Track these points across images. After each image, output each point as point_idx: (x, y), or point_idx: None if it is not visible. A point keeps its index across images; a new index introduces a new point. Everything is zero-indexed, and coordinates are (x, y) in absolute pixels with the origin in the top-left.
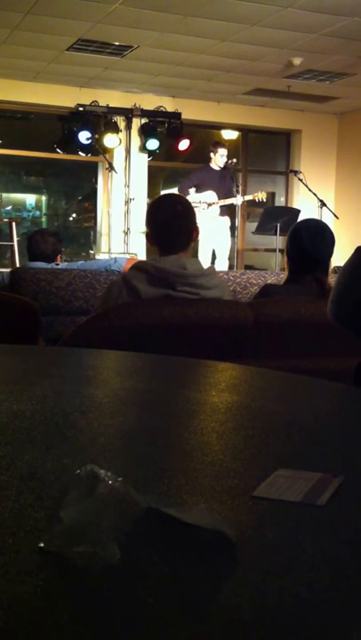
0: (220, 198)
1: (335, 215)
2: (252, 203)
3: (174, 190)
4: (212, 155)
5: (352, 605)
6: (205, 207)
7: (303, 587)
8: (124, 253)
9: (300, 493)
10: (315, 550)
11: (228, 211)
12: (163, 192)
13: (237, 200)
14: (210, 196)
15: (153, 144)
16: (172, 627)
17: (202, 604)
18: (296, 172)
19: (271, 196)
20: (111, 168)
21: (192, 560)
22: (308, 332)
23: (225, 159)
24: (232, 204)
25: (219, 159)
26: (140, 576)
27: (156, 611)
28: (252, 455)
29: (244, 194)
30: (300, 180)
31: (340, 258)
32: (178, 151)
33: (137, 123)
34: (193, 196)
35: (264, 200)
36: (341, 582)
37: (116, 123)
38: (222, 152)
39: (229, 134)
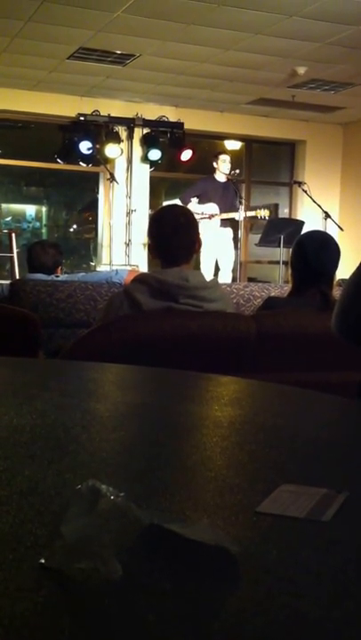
0: (222, 211)
1: (340, 227)
2: (255, 218)
3: (176, 201)
4: (215, 164)
5: (357, 623)
6: (207, 219)
7: (307, 604)
8: (125, 265)
9: (304, 509)
10: (319, 567)
11: (231, 222)
12: (165, 203)
13: (239, 215)
14: (212, 207)
15: (155, 154)
16: None
17: (204, 621)
18: (300, 184)
19: (275, 207)
20: (112, 178)
21: (194, 576)
22: (312, 346)
23: (228, 165)
24: (234, 218)
25: (222, 166)
26: (141, 592)
27: (158, 628)
28: (256, 470)
29: (247, 208)
30: (305, 192)
31: (344, 270)
32: (180, 162)
33: (139, 132)
34: (195, 207)
35: (266, 218)
36: (346, 600)
37: (117, 132)
38: (224, 158)
39: (233, 144)
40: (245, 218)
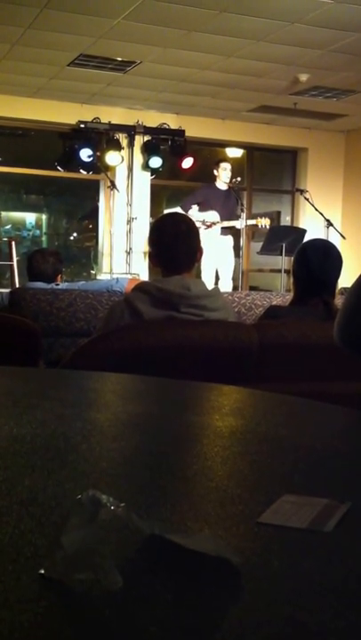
0: (223, 218)
1: (342, 235)
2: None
3: (177, 209)
4: (215, 172)
5: (359, 635)
6: (207, 227)
7: (309, 615)
8: (126, 274)
9: (306, 520)
10: (321, 578)
11: (233, 230)
12: (166, 211)
13: (240, 224)
14: (212, 215)
15: (156, 162)
16: None
17: (206, 632)
18: (302, 191)
19: (277, 215)
20: (113, 186)
21: (195, 587)
22: (315, 355)
23: (229, 173)
24: (235, 227)
25: (223, 174)
26: (142, 604)
27: (159, 639)
28: (257, 480)
29: (248, 216)
30: (307, 200)
31: (346, 279)
32: (181, 169)
33: (140, 140)
34: (195, 215)
35: (267, 227)
36: (348, 611)
37: (118, 140)
38: (225, 166)
39: (234, 152)
40: (246, 226)
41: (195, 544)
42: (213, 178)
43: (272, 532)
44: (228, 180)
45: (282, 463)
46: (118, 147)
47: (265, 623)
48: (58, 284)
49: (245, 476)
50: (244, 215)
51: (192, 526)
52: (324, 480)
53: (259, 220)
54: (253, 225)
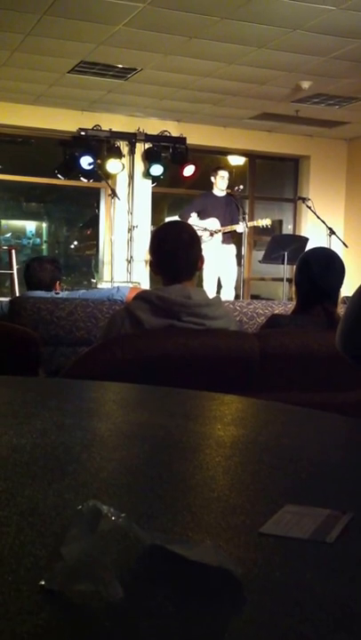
0: (223, 226)
1: (344, 244)
2: (258, 230)
3: (177, 218)
4: (212, 179)
5: None
6: (208, 235)
7: (311, 626)
8: (126, 282)
9: (308, 530)
10: (323, 589)
11: (234, 239)
12: (167, 219)
13: (240, 227)
14: (213, 223)
15: (157, 170)
16: None
17: None
18: (304, 199)
19: (279, 223)
20: (114, 194)
21: (197, 599)
22: (317, 364)
23: (227, 182)
24: (235, 231)
25: (220, 182)
26: (143, 615)
27: None
28: (259, 491)
29: (249, 222)
30: (309, 208)
31: (349, 287)
32: (183, 177)
33: (140, 148)
34: (195, 222)
35: (268, 226)
36: (350, 622)
37: (119, 148)
38: (222, 174)
39: (236, 160)
40: (247, 229)
41: (196, 555)
42: (211, 185)
43: (274, 542)
44: (225, 188)
45: (284, 473)
46: (119, 154)
47: (267, 635)
48: (58, 293)
49: (247, 486)
50: (242, 222)
51: (193, 537)
52: (327, 490)
53: (259, 220)
54: (255, 226)
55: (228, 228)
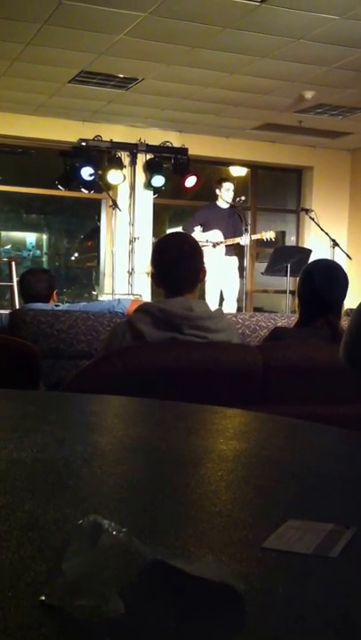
0: (227, 238)
1: (348, 255)
2: (261, 242)
3: (180, 229)
4: (217, 192)
5: None
6: (211, 247)
7: None
8: (128, 294)
9: (311, 545)
10: (327, 604)
11: (237, 250)
12: (169, 231)
13: (244, 240)
14: (216, 235)
15: (158, 181)
16: None
17: None
18: (307, 211)
19: (281, 235)
20: (115, 205)
21: (199, 614)
22: (320, 378)
23: (232, 194)
24: (239, 244)
25: (225, 194)
26: (144, 631)
27: None
28: (262, 505)
29: (252, 233)
30: (312, 219)
31: (352, 299)
32: (184, 188)
33: (142, 158)
34: (198, 235)
35: (272, 239)
36: (354, 637)
37: (120, 158)
38: (227, 186)
39: (238, 171)
40: (251, 241)
41: (198, 570)
42: (215, 197)
43: (277, 557)
44: (230, 200)
45: (287, 488)
46: (120, 165)
47: None
48: (58, 305)
49: (250, 500)
50: (246, 235)
51: (195, 552)
52: (330, 504)
53: (263, 233)
54: (258, 239)
55: (231, 241)
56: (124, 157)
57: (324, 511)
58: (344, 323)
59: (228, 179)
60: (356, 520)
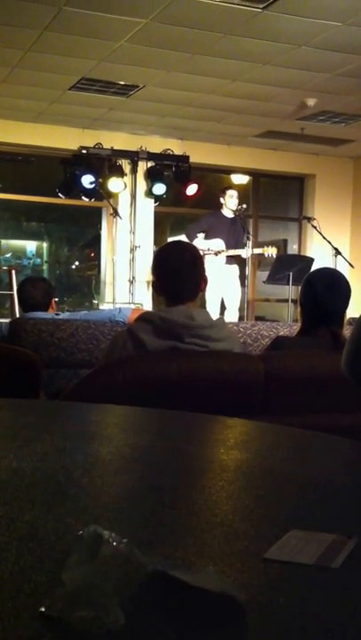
0: (229, 247)
1: (350, 264)
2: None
3: (182, 237)
4: (221, 200)
5: None
6: (213, 255)
7: None
8: (129, 303)
9: (313, 556)
10: (329, 616)
11: (238, 259)
12: (170, 239)
13: (246, 253)
14: (218, 243)
15: (160, 189)
16: None
17: None
18: (310, 219)
19: (283, 243)
20: (116, 214)
21: (200, 626)
22: (322, 387)
23: (236, 200)
24: (240, 255)
25: (229, 202)
26: None
27: None
28: (263, 516)
29: (254, 244)
30: (314, 228)
31: (355, 308)
32: (186, 196)
33: (143, 166)
34: (200, 243)
35: (274, 256)
36: None
37: (120, 166)
38: (231, 193)
39: (240, 179)
40: (253, 255)
41: (199, 581)
42: (220, 205)
43: (278, 568)
44: (234, 208)
45: (288, 498)
46: (121, 173)
47: None
48: (58, 314)
49: (251, 510)
50: (250, 243)
51: (196, 562)
52: (332, 515)
53: (265, 249)
54: (260, 254)
55: (232, 252)
56: (125, 165)
57: (326, 522)
58: (346, 332)
59: (232, 186)
60: (359, 530)
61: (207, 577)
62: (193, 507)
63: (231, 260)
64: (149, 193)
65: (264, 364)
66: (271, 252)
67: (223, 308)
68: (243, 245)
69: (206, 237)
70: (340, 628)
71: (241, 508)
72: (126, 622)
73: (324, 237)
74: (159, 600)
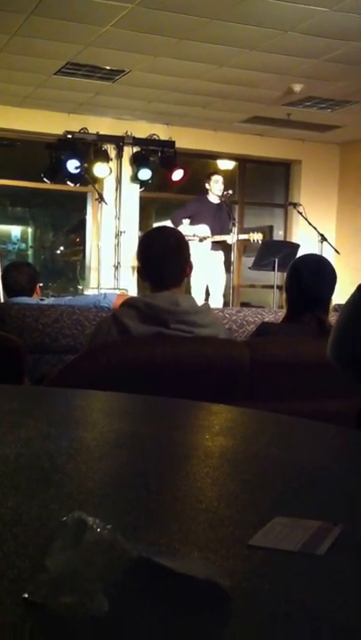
0: (214, 233)
1: (336, 250)
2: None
3: (167, 222)
4: (207, 185)
5: None
6: (198, 241)
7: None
8: (114, 289)
9: (298, 542)
10: (313, 602)
11: (223, 245)
12: (155, 224)
13: (230, 239)
14: (203, 229)
15: (145, 174)
16: None
17: None
18: (295, 205)
19: (269, 229)
20: (101, 199)
21: (184, 612)
22: (307, 373)
23: (221, 186)
24: (226, 241)
25: (215, 187)
26: (129, 629)
27: None
28: (248, 502)
29: (240, 230)
30: (300, 214)
31: (340, 295)
32: (171, 182)
33: (128, 151)
34: (186, 228)
35: (259, 242)
36: (341, 636)
37: (106, 151)
38: (216, 178)
39: (226, 164)
40: (238, 241)
41: (183, 567)
42: (205, 191)
43: (263, 555)
44: (220, 193)
45: (273, 484)
46: (106, 158)
47: None
48: (43, 299)
49: (236, 497)
50: (235, 229)
51: (181, 549)
52: (317, 501)
53: (251, 234)
54: (245, 240)
55: (218, 238)
56: (111, 150)
57: (311, 508)
58: (332, 318)
59: (217, 172)
60: (344, 517)
61: (192, 563)
62: (178, 493)
63: (216, 245)
64: (135, 178)
65: (249, 349)
66: (257, 237)
67: (208, 294)
68: (228, 231)
69: (192, 223)
70: (325, 615)
71: (226, 495)
72: (110, 608)
73: (310, 223)
74: (143, 586)
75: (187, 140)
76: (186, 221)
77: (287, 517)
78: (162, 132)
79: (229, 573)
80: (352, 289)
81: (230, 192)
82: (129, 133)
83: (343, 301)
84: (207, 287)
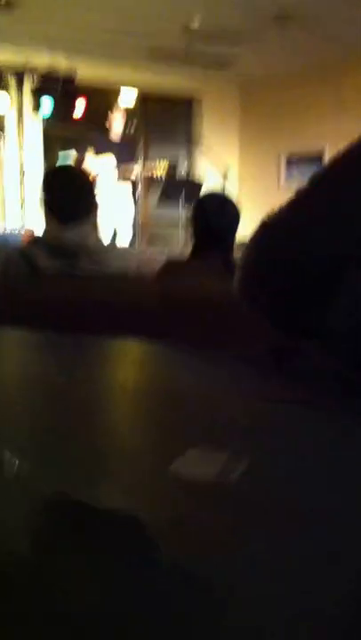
0: (119, 163)
1: (239, 187)
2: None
3: (72, 153)
4: (106, 125)
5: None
6: (104, 171)
7: (219, 569)
8: (20, 228)
9: (212, 472)
10: (230, 533)
11: (128, 177)
12: (60, 159)
13: (135, 173)
14: (109, 159)
15: (47, 107)
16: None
17: (118, 600)
18: (198, 142)
19: (173, 168)
20: (1, 130)
21: (108, 549)
22: (215, 311)
23: (121, 124)
24: (131, 172)
25: (115, 125)
26: (51, 570)
27: (69, 607)
28: (164, 436)
29: (144, 167)
30: (202, 152)
31: (245, 232)
32: (73, 115)
33: (28, 85)
34: (91, 160)
35: (162, 178)
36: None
37: (5, 82)
38: (117, 115)
39: (127, 100)
40: (143, 178)
41: (103, 502)
42: (106, 127)
43: (181, 485)
44: (120, 131)
45: (188, 418)
46: (5, 88)
47: (181, 580)
48: None
49: (151, 431)
50: (138, 167)
51: (100, 483)
52: (225, 433)
53: (153, 171)
54: (150, 177)
55: (125, 169)
56: (10, 82)
57: (220, 440)
58: (238, 256)
59: (118, 108)
60: (251, 450)
61: (112, 499)
62: (93, 432)
63: (122, 176)
64: (36, 109)
65: (158, 287)
66: (160, 173)
67: (115, 234)
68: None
69: (96, 153)
70: (237, 544)
71: (138, 429)
72: (30, 550)
73: (212, 162)
74: (63, 525)
75: (88, 72)
76: (89, 155)
77: (199, 449)
78: (62, 64)
79: (152, 505)
80: (255, 225)
81: (134, 120)
82: (29, 65)
83: (247, 239)
84: (115, 230)
